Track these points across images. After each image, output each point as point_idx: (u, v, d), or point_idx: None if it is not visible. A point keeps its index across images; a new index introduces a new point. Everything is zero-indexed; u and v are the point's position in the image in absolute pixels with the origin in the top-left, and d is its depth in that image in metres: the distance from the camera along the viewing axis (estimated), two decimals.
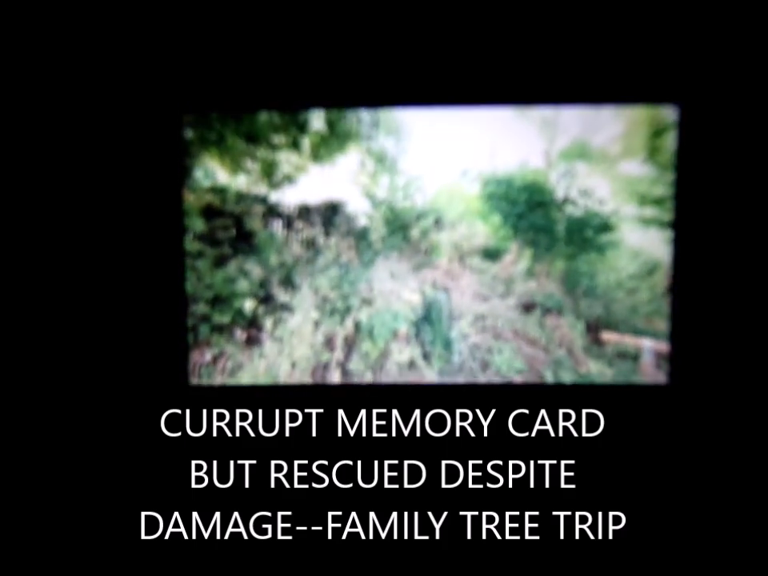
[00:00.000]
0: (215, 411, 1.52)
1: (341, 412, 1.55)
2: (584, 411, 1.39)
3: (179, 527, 1.41)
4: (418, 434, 1.55)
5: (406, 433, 1.55)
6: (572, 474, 1.36)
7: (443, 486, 1.38)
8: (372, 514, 1.37)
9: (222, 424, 1.50)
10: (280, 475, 1.54)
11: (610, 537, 1.33)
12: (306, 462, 1.56)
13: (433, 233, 3.23)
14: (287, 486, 1.58)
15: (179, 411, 1.49)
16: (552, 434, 1.37)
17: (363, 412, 1.56)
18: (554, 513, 1.36)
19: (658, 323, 3.88)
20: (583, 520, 1.34)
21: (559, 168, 3.85)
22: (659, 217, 4.29)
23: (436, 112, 2.55)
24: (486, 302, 3.62)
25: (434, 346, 2.38)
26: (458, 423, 1.55)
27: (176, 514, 1.41)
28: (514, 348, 2.48)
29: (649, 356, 2.79)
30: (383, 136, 2.68)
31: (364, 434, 1.55)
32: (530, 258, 3.56)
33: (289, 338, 1.97)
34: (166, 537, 1.38)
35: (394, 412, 1.56)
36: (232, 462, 1.55)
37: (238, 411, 1.53)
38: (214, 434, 1.53)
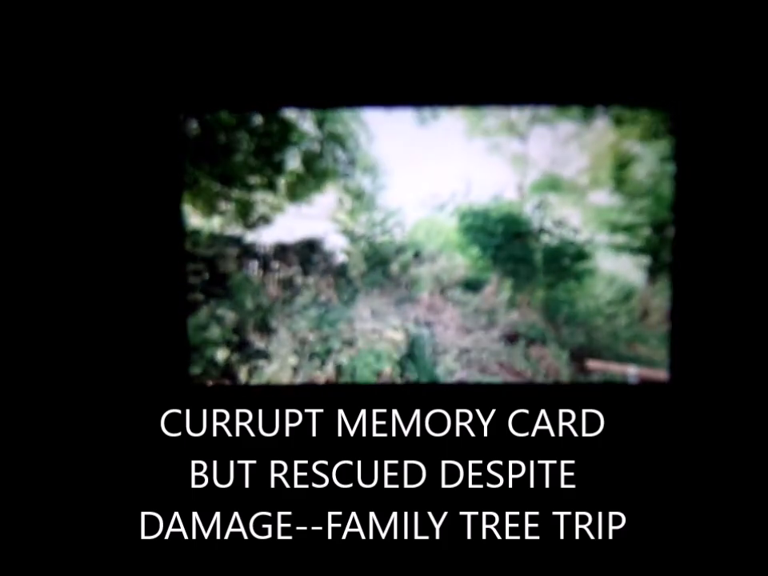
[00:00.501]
0: (215, 411, 1.44)
1: (340, 412, 1.45)
2: (584, 411, 1.41)
3: (179, 527, 1.40)
4: (418, 434, 1.42)
5: (405, 433, 1.42)
6: (572, 474, 1.37)
7: (443, 486, 1.39)
8: (372, 514, 1.38)
9: (222, 424, 1.43)
10: (280, 475, 1.42)
11: (610, 537, 1.33)
12: (305, 462, 1.44)
13: (413, 267, 3.22)
14: (287, 486, 1.44)
15: (179, 411, 1.42)
16: (552, 434, 1.40)
17: (363, 412, 1.46)
18: (554, 513, 1.37)
19: (640, 348, 3.86)
20: (583, 520, 1.35)
21: (532, 200, 3.93)
22: (630, 243, 4.39)
23: (411, 147, 2.56)
24: (469, 334, 3.56)
25: None
26: (458, 423, 1.43)
27: (176, 514, 1.41)
28: (501, 381, 2.40)
29: (634, 382, 2.74)
30: (360, 173, 2.69)
31: (364, 434, 1.43)
32: (510, 288, 3.56)
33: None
34: (166, 537, 1.38)
35: (394, 412, 1.47)
36: (232, 462, 1.44)
37: (238, 411, 1.45)
38: (214, 434, 1.44)
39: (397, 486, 1.42)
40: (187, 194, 1.98)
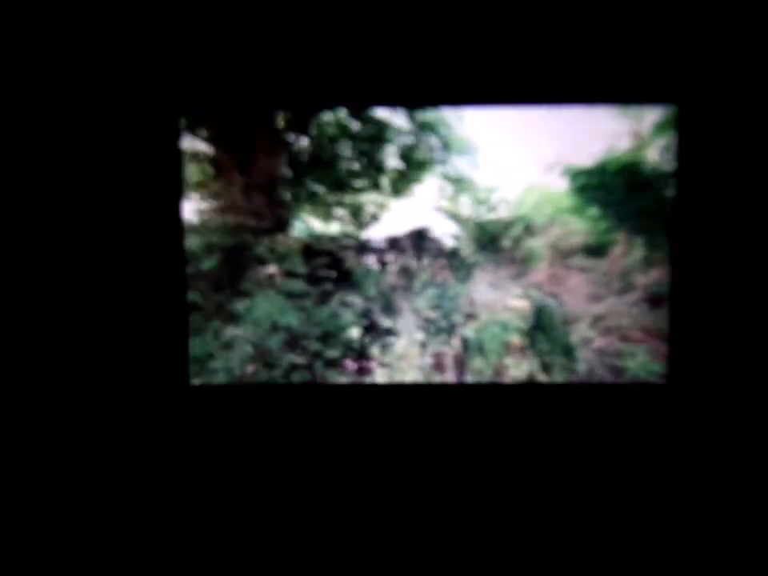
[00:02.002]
0: (215, 411, 1.40)
1: (343, 412, 1.53)
2: (582, 411, 1.38)
3: (179, 528, 1.39)
4: (418, 435, 1.35)
5: (407, 433, 1.35)
6: (571, 473, 1.34)
7: (443, 485, 1.34)
8: (375, 515, 1.34)
9: (222, 424, 1.54)
10: (280, 475, 1.48)
11: (610, 537, 1.31)
12: (307, 462, 1.37)
13: (525, 240, 3.07)
14: (287, 486, 1.38)
15: (179, 411, 1.39)
16: (551, 434, 1.35)
17: (365, 412, 1.53)
18: (554, 513, 1.33)
19: None
20: (583, 520, 1.32)
21: (655, 143, 3.44)
22: None
23: (500, 117, 2.51)
24: (601, 301, 3.26)
25: (554, 356, 2.18)
26: (458, 424, 1.36)
27: (176, 515, 1.39)
28: (649, 349, 2.14)
29: None
30: (456, 156, 2.71)
31: (365, 435, 1.36)
32: (642, 245, 3.14)
33: (398, 363, 1.97)
34: (166, 538, 1.37)
35: (398, 412, 1.51)
36: (232, 463, 1.39)
37: (238, 411, 1.56)
38: (214, 434, 1.39)
39: (399, 487, 1.36)
40: (306, 205, 2.26)
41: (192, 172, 1.98)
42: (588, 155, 3.13)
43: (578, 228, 3.15)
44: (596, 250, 3.14)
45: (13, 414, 1.37)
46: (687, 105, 1.47)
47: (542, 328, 2.59)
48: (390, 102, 1.58)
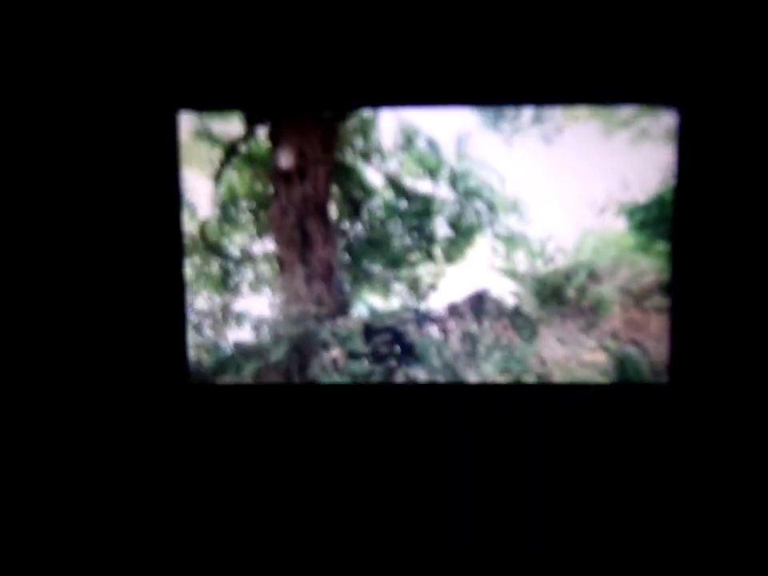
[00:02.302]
0: (215, 411, 1.39)
1: (343, 412, 1.39)
2: (582, 411, 1.41)
3: (179, 528, 1.40)
4: (418, 435, 1.37)
5: (407, 433, 1.38)
6: (572, 474, 1.37)
7: (443, 486, 1.36)
8: (375, 515, 1.36)
9: (222, 424, 1.38)
10: (281, 475, 1.38)
11: (611, 537, 1.34)
12: (307, 462, 1.39)
13: (591, 287, 2.90)
14: (287, 486, 1.39)
15: (178, 411, 1.40)
16: (551, 434, 1.38)
17: (365, 412, 1.39)
18: (554, 513, 1.34)
19: None
20: (583, 520, 1.35)
21: None
22: None
23: (545, 170, 2.52)
24: None
25: None
26: (457, 424, 1.39)
27: (175, 515, 1.40)
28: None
29: None
30: (504, 216, 2.73)
31: (365, 435, 1.38)
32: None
33: None
34: (166, 538, 1.37)
35: (398, 412, 1.39)
36: (232, 463, 1.40)
37: (237, 412, 1.40)
38: (214, 435, 1.40)
39: (398, 487, 1.35)
40: (364, 284, 2.34)
41: (264, 270, 2.14)
42: (640, 190, 3.00)
43: (648, 266, 2.94)
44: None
45: (11, 413, 1.36)
46: (689, 110, 1.47)
47: (628, 381, 2.37)
48: (391, 101, 1.56)
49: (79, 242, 1.35)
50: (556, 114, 2.40)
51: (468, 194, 2.46)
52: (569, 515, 1.38)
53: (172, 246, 1.44)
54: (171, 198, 1.45)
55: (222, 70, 1.34)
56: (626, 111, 2.74)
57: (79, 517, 1.39)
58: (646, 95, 1.51)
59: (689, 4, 1.28)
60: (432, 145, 2.36)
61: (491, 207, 2.51)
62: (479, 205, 2.48)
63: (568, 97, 1.61)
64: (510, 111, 2.41)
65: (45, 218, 1.32)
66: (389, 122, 2.14)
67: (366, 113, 2.11)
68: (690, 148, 1.50)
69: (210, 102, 1.40)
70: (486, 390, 1.55)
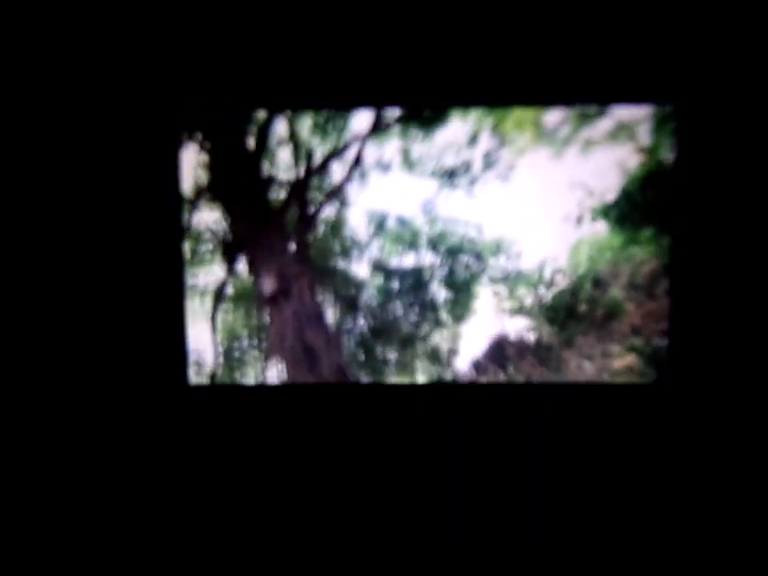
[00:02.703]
0: (215, 411, 1.39)
1: (342, 412, 1.39)
2: (582, 411, 1.38)
3: (179, 528, 1.39)
4: (418, 434, 1.36)
5: (407, 433, 1.37)
6: (571, 473, 1.37)
7: (443, 486, 1.36)
8: (375, 515, 1.36)
9: (222, 424, 1.40)
10: (281, 475, 1.40)
11: (609, 536, 1.35)
12: (306, 462, 1.39)
13: (599, 294, 2.87)
14: (287, 486, 1.39)
15: (177, 412, 1.39)
16: (551, 434, 1.37)
17: (366, 412, 1.39)
18: (554, 512, 1.35)
19: None
20: (582, 519, 1.37)
21: (659, 144, 3.39)
22: None
23: (510, 201, 2.57)
24: None
25: None
26: (458, 423, 1.38)
27: (175, 515, 1.39)
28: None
29: None
30: (492, 259, 2.75)
31: (364, 435, 1.38)
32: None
33: None
34: (166, 538, 1.37)
35: (397, 412, 1.38)
36: (232, 463, 1.40)
37: (236, 412, 1.39)
38: (214, 435, 1.40)
39: (397, 487, 1.34)
40: (387, 374, 2.26)
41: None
42: (605, 191, 3.13)
43: (643, 255, 2.95)
44: None
45: (10, 413, 1.33)
46: (686, 105, 1.43)
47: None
48: (391, 102, 1.47)
49: (78, 243, 1.34)
50: (503, 155, 2.55)
51: (451, 253, 2.50)
52: (569, 515, 1.37)
53: (172, 247, 1.40)
54: (170, 199, 1.40)
55: (214, 78, 1.36)
56: (565, 129, 2.95)
57: (78, 516, 1.36)
58: (644, 92, 1.51)
59: (687, 9, 1.32)
60: (402, 221, 2.44)
61: (478, 256, 2.55)
62: (466, 258, 2.52)
63: (568, 96, 1.60)
64: (460, 167, 2.55)
65: (49, 220, 1.32)
66: (357, 216, 2.22)
67: (333, 213, 2.17)
68: (688, 142, 1.47)
69: (207, 102, 1.40)
70: (486, 389, 1.49)
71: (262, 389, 1.39)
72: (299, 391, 1.38)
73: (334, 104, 1.53)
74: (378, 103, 1.52)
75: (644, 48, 1.45)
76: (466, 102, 1.60)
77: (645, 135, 3.77)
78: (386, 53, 1.51)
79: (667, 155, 3.13)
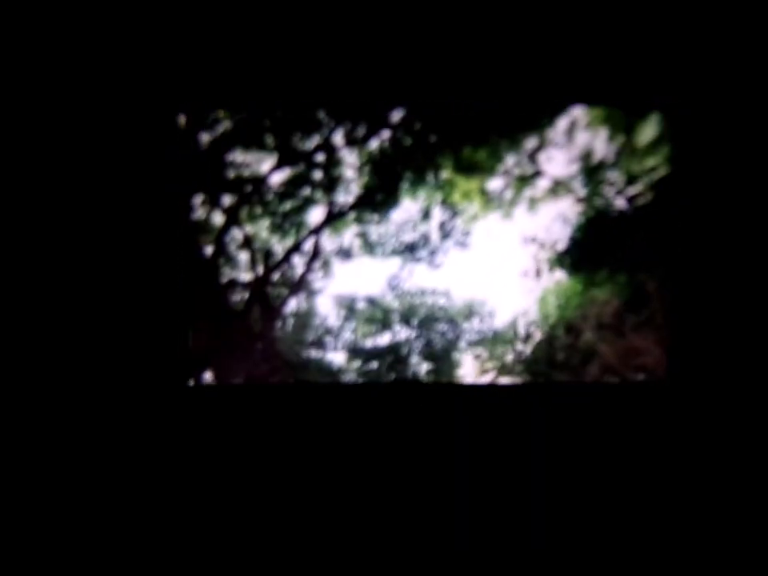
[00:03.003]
0: (212, 412, 1.41)
1: (343, 412, 1.40)
2: (582, 411, 1.37)
3: (179, 528, 1.38)
4: (418, 434, 1.37)
5: (407, 433, 1.38)
6: (572, 473, 1.36)
7: (444, 486, 1.36)
8: (375, 515, 1.36)
9: (222, 424, 1.42)
10: (281, 475, 1.40)
11: (610, 537, 1.34)
12: (306, 462, 1.39)
13: (575, 339, 2.92)
14: (286, 486, 1.39)
15: (177, 412, 1.41)
16: (551, 434, 1.37)
17: (366, 412, 1.40)
18: (555, 512, 1.34)
19: None
20: (584, 519, 1.36)
21: (596, 188, 3.72)
22: None
23: (470, 266, 2.63)
24: None
25: None
26: (459, 424, 1.38)
27: (176, 514, 1.38)
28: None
29: None
30: (466, 324, 2.77)
31: (365, 434, 1.39)
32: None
33: None
34: (167, 537, 1.36)
35: (396, 412, 1.39)
36: (232, 462, 1.41)
37: (235, 412, 1.42)
38: (214, 435, 1.41)
39: (397, 486, 1.34)
40: None
41: None
42: (556, 241, 3.34)
43: (605, 295, 3.10)
44: (639, 295, 3.01)
45: (13, 413, 1.35)
46: (676, 115, 1.50)
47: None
48: (390, 97, 1.45)
49: (80, 245, 1.34)
50: (457, 224, 2.72)
51: (424, 323, 2.52)
52: (570, 514, 1.35)
53: (171, 248, 1.41)
54: (170, 201, 1.42)
55: (213, 80, 1.40)
56: (507, 192, 3.19)
57: (78, 515, 1.37)
58: (637, 101, 1.57)
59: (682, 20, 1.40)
60: (372, 301, 2.47)
61: (452, 322, 2.56)
62: (440, 326, 2.54)
63: (570, 96, 1.62)
64: (419, 241, 2.67)
65: (53, 223, 1.35)
66: (325, 303, 2.21)
67: (300, 305, 2.14)
68: (682, 145, 1.53)
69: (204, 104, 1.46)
70: (486, 390, 1.44)
71: (262, 389, 1.40)
72: (300, 391, 1.39)
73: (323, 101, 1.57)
74: (367, 98, 1.55)
75: (637, 54, 1.53)
76: (465, 96, 1.62)
77: (579, 188, 4.14)
78: (383, 54, 1.56)
79: (602, 202, 3.42)
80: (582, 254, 3.11)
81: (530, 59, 1.55)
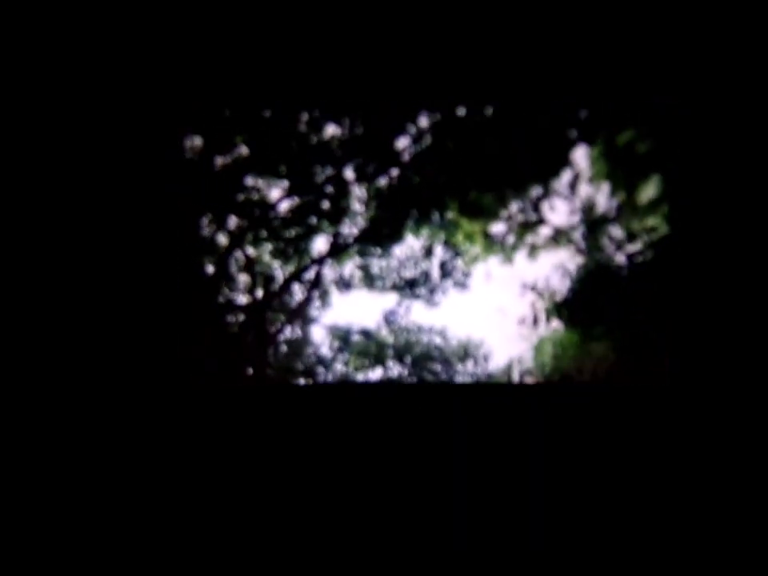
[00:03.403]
0: (215, 411, 1.43)
1: (343, 412, 1.41)
2: (581, 410, 1.39)
3: (180, 527, 1.39)
4: (419, 434, 1.38)
5: (408, 433, 1.38)
6: (568, 473, 1.35)
7: (443, 485, 1.36)
8: (375, 515, 1.35)
9: (222, 424, 1.43)
10: (281, 475, 1.40)
11: (610, 536, 1.31)
12: (305, 461, 1.40)
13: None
14: (287, 485, 1.39)
15: (180, 411, 1.44)
16: (551, 434, 1.37)
17: (366, 412, 1.41)
18: (554, 512, 1.32)
19: None
20: (583, 519, 1.34)
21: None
22: None
23: (473, 312, 2.64)
24: None
25: None
26: (458, 424, 1.39)
27: (176, 513, 1.40)
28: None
29: None
30: (459, 365, 2.74)
31: (365, 434, 1.40)
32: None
33: None
34: (167, 537, 1.35)
35: (399, 412, 1.40)
36: (232, 462, 1.42)
37: (235, 412, 1.44)
38: (214, 435, 1.43)
39: (397, 486, 1.32)
40: None
41: None
42: (555, 291, 3.38)
43: (601, 350, 3.10)
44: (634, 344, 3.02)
45: (15, 413, 1.38)
46: (675, 176, 1.58)
47: None
48: (392, 100, 1.46)
49: (82, 247, 1.33)
50: (457, 263, 2.76)
51: (418, 361, 2.50)
52: (568, 514, 1.33)
53: (170, 250, 1.43)
54: (170, 204, 1.43)
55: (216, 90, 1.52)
56: (509, 237, 3.25)
57: (78, 515, 1.36)
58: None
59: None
60: (367, 334, 2.46)
61: (445, 362, 2.55)
62: (434, 366, 2.51)
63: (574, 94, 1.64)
64: (420, 278, 2.71)
65: (57, 225, 1.32)
66: (321, 334, 2.19)
67: (295, 333, 2.12)
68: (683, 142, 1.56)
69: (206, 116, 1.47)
70: (486, 390, 1.42)
71: (262, 389, 1.40)
72: (299, 392, 1.38)
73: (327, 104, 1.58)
74: (367, 99, 1.55)
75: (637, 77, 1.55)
76: (469, 99, 1.62)
77: (580, 239, 4.23)
78: (382, 59, 1.58)
79: (602, 256, 3.49)
80: (581, 306, 3.14)
81: (531, 59, 1.58)
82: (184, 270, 1.53)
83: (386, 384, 1.51)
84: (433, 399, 1.50)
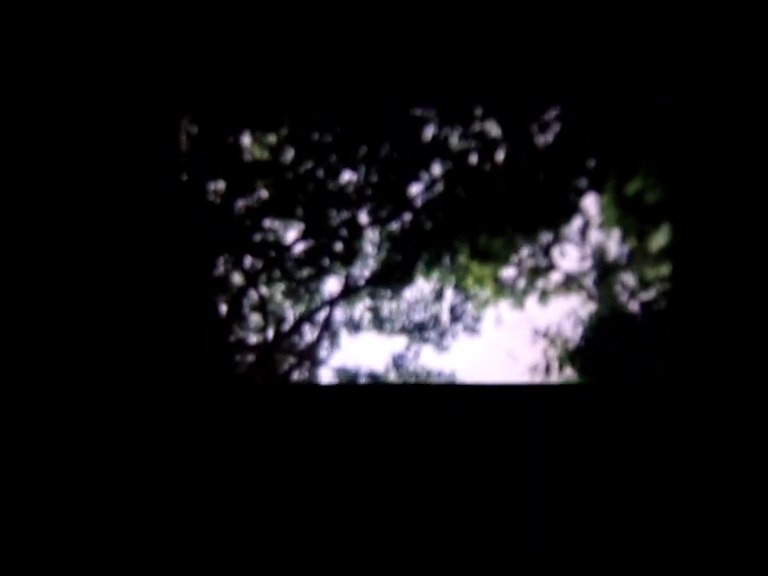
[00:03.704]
0: (215, 411, 1.46)
1: (343, 412, 1.43)
2: (582, 411, 1.40)
3: (180, 526, 1.47)
4: (418, 435, 1.41)
5: (408, 433, 1.42)
6: (570, 473, 1.38)
7: (443, 485, 1.41)
8: (375, 515, 1.41)
9: (222, 424, 1.47)
10: (281, 475, 1.46)
11: (611, 536, 1.36)
12: (305, 461, 1.45)
13: None
14: (287, 485, 1.45)
15: (179, 411, 1.46)
16: (551, 434, 1.39)
17: (366, 412, 1.43)
18: (554, 512, 1.36)
19: None
20: (584, 520, 1.38)
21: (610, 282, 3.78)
22: None
23: (476, 353, 2.62)
24: None
25: None
26: (459, 424, 1.41)
27: (177, 513, 1.46)
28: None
29: None
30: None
31: (365, 435, 1.44)
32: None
33: None
34: (168, 536, 1.35)
35: (399, 412, 1.43)
36: (232, 462, 1.48)
37: (234, 412, 1.46)
38: (214, 435, 1.47)
39: (397, 486, 1.36)
40: None
41: None
42: (567, 338, 3.34)
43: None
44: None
45: (14, 413, 1.40)
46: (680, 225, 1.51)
47: None
48: (393, 98, 1.49)
49: (81, 246, 1.38)
50: (467, 307, 2.77)
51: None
52: (569, 514, 1.34)
53: (170, 250, 1.43)
54: (169, 204, 1.44)
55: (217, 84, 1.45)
56: (520, 282, 3.26)
57: (79, 514, 1.40)
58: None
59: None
60: (375, 378, 2.44)
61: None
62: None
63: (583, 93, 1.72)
64: (429, 321, 2.70)
65: (55, 225, 1.37)
66: (328, 375, 2.19)
67: (303, 374, 2.12)
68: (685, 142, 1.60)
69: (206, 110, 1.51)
70: (486, 390, 1.42)
71: (263, 390, 1.41)
72: (300, 392, 1.40)
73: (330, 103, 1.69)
74: (366, 98, 1.64)
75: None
76: (467, 97, 1.70)
77: (591, 286, 4.23)
78: (382, 56, 1.65)
79: (614, 304, 3.46)
80: (595, 354, 3.08)
81: (531, 59, 1.64)
82: (184, 270, 1.59)
83: (386, 385, 1.52)
84: (433, 400, 1.53)
